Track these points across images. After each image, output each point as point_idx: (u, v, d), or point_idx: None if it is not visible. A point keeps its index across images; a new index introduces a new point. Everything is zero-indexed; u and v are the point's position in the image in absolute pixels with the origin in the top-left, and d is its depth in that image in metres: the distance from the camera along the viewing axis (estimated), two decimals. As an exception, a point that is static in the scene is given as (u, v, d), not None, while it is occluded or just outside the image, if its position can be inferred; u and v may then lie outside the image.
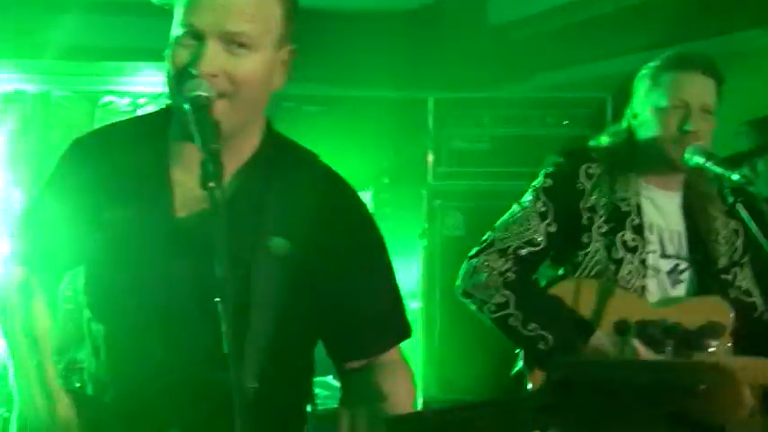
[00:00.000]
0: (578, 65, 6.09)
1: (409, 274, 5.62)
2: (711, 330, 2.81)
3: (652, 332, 2.75)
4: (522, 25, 5.95)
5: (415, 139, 5.77)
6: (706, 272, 3.00)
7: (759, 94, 4.83)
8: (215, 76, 1.93)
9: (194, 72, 1.92)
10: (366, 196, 5.56)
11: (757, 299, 3.12)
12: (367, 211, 2.25)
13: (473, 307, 3.03)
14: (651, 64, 3.06)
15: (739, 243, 3.09)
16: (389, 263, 2.24)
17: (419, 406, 5.69)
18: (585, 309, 2.89)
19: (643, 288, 2.91)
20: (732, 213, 3.03)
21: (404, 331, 2.25)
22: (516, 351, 3.11)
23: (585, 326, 2.84)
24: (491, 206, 5.11)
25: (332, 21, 6.46)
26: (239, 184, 2.06)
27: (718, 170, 2.78)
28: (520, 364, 3.06)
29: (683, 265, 2.99)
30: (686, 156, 2.88)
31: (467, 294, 3.02)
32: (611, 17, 5.60)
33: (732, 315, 2.95)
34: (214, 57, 1.93)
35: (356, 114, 6.74)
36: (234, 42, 1.96)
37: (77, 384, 2.22)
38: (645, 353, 2.73)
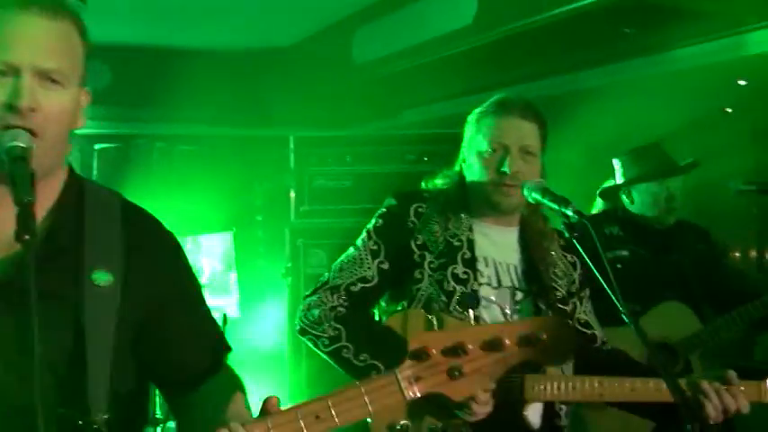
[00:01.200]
0: (442, 102, 6.18)
1: (278, 311, 5.73)
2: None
3: None
4: (385, 63, 6.01)
5: (280, 177, 5.75)
6: (543, 302, 3.06)
7: (603, 128, 5.03)
8: (33, 111, 1.92)
9: (16, 105, 1.89)
10: (227, 237, 5.51)
11: (597, 331, 3.17)
12: (175, 239, 2.22)
13: (310, 344, 3.03)
14: (476, 110, 3.12)
15: (576, 276, 3.16)
16: (198, 284, 2.27)
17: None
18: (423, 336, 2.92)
19: (477, 318, 2.93)
20: (569, 247, 3.12)
21: (227, 345, 2.26)
22: None
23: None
24: (354, 244, 5.31)
25: (201, 60, 6.46)
26: (52, 223, 2.04)
27: (554, 206, 2.83)
28: None
29: (520, 296, 3.05)
30: (524, 192, 2.94)
31: (303, 332, 3.01)
32: (472, 54, 5.72)
33: (575, 336, 2.87)
34: (32, 92, 1.92)
35: (226, 153, 6.75)
36: (48, 79, 1.95)
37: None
38: None
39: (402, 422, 2.82)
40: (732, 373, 2.77)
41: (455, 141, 5.03)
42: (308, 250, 5.33)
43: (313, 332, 2.97)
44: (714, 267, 4.46)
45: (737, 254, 7.97)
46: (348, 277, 3.01)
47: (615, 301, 2.57)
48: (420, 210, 3.06)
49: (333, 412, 1.74)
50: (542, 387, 2.87)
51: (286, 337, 5.41)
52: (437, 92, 6.25)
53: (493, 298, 3.01)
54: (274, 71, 6.32)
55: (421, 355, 1.72)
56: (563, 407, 3.03)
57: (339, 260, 3.10)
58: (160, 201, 5.86)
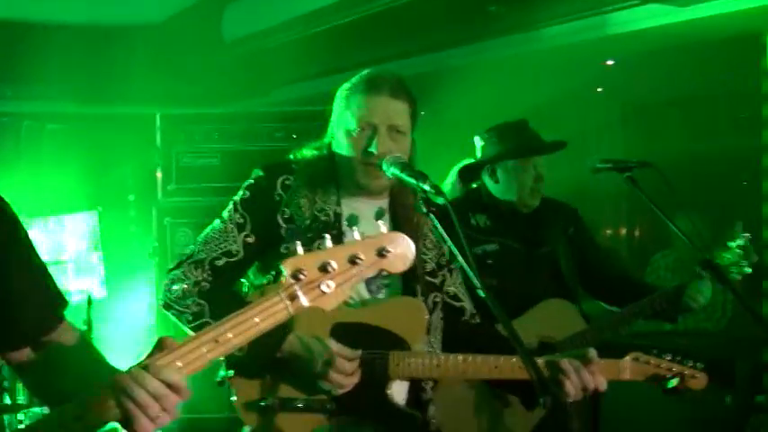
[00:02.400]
0: (311, 80, 6.17)
1: (147, 291, 5.67)
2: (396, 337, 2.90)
3: (345, 334, 2.82)
4: (254, 40, 5.96)
5: (149, 155, 5.65)
6: (412, 275, 3.02)
7: (471, 107, 5.09)
8: None
9: None
10: (93, 216, 5.42)
11: (465, 303, 3.18)
12: (5, 204, 2.24)
13: (174, 319, 2.99)
14: (345, 85, 3.06)
15: (446, 248, 3.13)
16: (30, 241, 2.28)
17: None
18: None
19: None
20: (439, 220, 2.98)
21: (65, 300, 2.32)
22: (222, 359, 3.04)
23: (282, 329, 2.75)
24: None
25: (69, 36, 6.29)
26: None
27: (412, 181, 2.79)
28: (222, 371, 3.01)
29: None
30: (384, 167, 2.89)
31: (167, 306, 2.95)
32: (339, 32, 5.72)
33: (427, 316, 3.01)
34: None
35: (98, 131, 6.61)
36: None
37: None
38: (340, 350, 2.78)
39: (269, 398, 2.83)
40: (592, 352, 2.78)
41: (324, 119, 5.03)
42: (175, 229, 5.28)
43: (176, 307, 2.92)
44: (584, 249, 4.33)
45: (608, 231, 8.23)
46: (213, 251, 2.95)
47: (471, 276, 2.57)
48: (287, 182, 3.01)
49: (230, 335, 1.92)
50: (407, 364, 2.87)
51: (155, 317, 5.35)
52: (306, 70, 6.24)
53: None
54: (143, 48, 6.20)
55: (297, 276, 1.90)
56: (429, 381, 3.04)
57: (204, 233, 3.03)
58: (27, 180, 5.75)
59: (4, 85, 6.75)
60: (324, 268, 1.93)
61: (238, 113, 5.57)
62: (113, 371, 1.94)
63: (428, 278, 3.09)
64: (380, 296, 3.03)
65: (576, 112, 7.05)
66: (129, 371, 1.84)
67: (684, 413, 5.09)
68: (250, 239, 2.97)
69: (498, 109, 5.42)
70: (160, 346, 1.90)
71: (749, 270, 3.85)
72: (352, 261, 1.94)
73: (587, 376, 2.75)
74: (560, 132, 5.06)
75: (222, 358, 2.92)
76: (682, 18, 5.49)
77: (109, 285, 5.52)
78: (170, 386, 1.86)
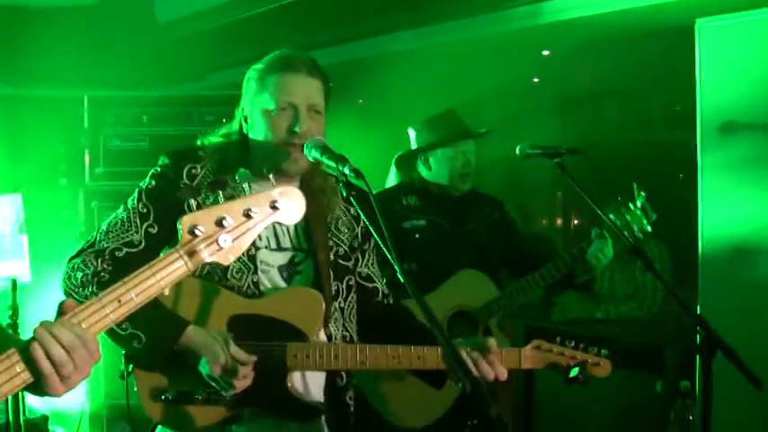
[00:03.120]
0: (247, 64, 6.09)
1: None
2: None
3: (243, 325, 2.83)
4: (188, 23, 5.89)
5: (77, 138, 5.57)
6: (323, 260, 3.00)
7: (402, 95, 5.08)
8: None
9: None
10: (16, 198, 5.31)
11: (378, 284, 3.17)
12: None
13: None
14: (257, 66, 3.00)
15: (359, 230, 3.13)
16: None
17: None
18: (189, 307, 2.86)
19: (255, 283, 2.90)
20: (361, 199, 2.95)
21: None
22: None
23: (179, 322, 2.79)
24: None
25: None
26: None
27: (332, 164, 2.74)
28: (122, 365, 2.96)
29: (300, 256, 2.99)
30: (305, 150, 2.84)
31: (67, 294, 2.85)
32: (277, 15, 5.67)
33: (323, 305, 2.93)
34: None
35: (23, 114, 6.47)
36: None
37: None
38: (236, 353, 2.74)
39: (170, 392, 2.81)
40: (491, 341, 2.78)
41: None
42: (102, 213, 5.21)
43: (76, 296, 2.82)
44: (508, 234, 4.60)
45: (544, 221, 8.28)
46: (114, 241, 2.88)
47: (391, 259, 2.52)
48: (194, 171, 2.93)
49: (132, 294, 1.93)
50: (305, 355, 2.84)
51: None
52: (242, 54, 6.13)
53: (271, 261, 2.95)
54: (73, 29, 6.08)
55: (194, 232, 1.96)
56: None
57: (107, 220, 2.96)
58: None
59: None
60: (219, 223, 1.98)
61: (169, 97, 5.49)
62: (19, 341, 1.91)
63: (341, 261, 3.06)
64: (294, 284, 2.99)
65: (512, 102, 7.06)
66: (41, 325, 1.83)
67: (616, 401, 5.16)
68: (152, 230, 2.89)
69: (434, 97, 5.45)
70: (63, 310, 1.88)
71: (649, 228, 4.07)
72: (247, 215, 2.02)
73: (485, 366, 2.74)
74: (496, 122, 5.10)
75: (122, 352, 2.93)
76: (616, 8, 5.54)
77: (35, 269, 5.42)
78: (81, 339, 1.84)
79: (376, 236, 2.61)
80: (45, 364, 1.81)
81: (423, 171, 4.52)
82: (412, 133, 4.59)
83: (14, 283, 5.15)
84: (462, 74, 6.34)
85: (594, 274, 4.21)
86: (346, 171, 2.64)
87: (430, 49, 6.25)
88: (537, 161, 4.07)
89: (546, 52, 6.76)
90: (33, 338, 1.82)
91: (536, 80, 7.36)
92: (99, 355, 1.88)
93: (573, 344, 2.91)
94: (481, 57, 6.34)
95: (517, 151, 4.00)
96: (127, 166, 5.27)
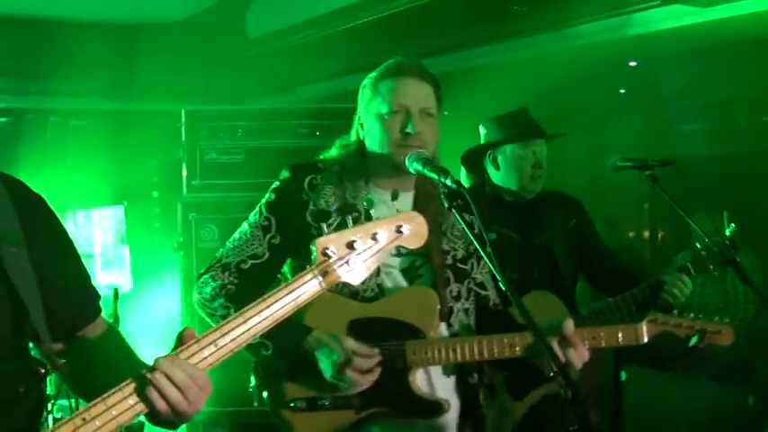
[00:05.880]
0: (337, 78, 6.17)
1: (172, 286, 5.67)
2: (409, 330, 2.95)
3: (363, 329, 2.91)
4: (279, 37, 5.99)
5: (174, 151, 5.70)
6: (442, 264, 3.06)
7: (494, 106, 5.08)
8: None
9: None
10: (119, 210, 5.46)
11: (490, 293, 3.20)
12: (44, 200, 2.25)
13: (208, 319, 3.04)
14: (371, 75, 3.10)
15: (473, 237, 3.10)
16: (69, 237, 2.32)
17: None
18: (309, 317, 2.93)
19: (379, 286, 2.98)
20: (467, 208, 2.90)
21: (98, 293, 2.36)
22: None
23: (303, 329, 2.90)
24: (245, 218, 5.28)
25: (99, 34, 6.35)
26: None
27: (434, 176, 2.82)
28: (252, 378, 3.12)
29: (420, 261, 3.05)
30: (407, 163, 2.92)
31: (200, 307, 3.05)
32: (366, 29, 5.74)
33: (437, 300, 3.00)
34: None
35: (123, 127, 6.63)
36: None
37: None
38: (358, 348, 2.83)
39: (299, 400, 2.91)
40: (569, 324, 2.78)
41: (348, 116, 5.10)
42: (199, 224, 5.30)
43: (207, 309, 2.99)
44: (586, 243, 4.32)
45: (631, 234, 8.18)
46: (239, 255, 3.00)
47: (491, 267, 2.61)
48: (314, 182, 3.03)
49: (263, 315, 2.05)
50: (424, 352, 2.91)
51: (179, 311, 5.38)
52: (330, 68, 6.25)
53: (394, 264, 3.02)
54: (168, 45, 6.23)
55: (326, 253, 2.06)
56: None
57: (232, 238, 3.09)
58: (53, 175, 5.79)
59: (30, 81, 6.82)
60: (350, 245, 2.09)
61: (263, 110, 5.57)
62: (142, 365, 1.96)
63: (459, 265, 3.11)
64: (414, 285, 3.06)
65: (598, 113, 7.02)
66: (156, 363, 1.88)
67: (707, 414, 5.10)
68: (275, 240, 3.00)
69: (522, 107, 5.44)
70: (182, 339, 1.95)
71: (737, 258, 3.87)
72: (374, 238, 2.13)
73: (574, 355, 2.76)
74: (581, 133, 5.11)
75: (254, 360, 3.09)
76: (704, 19, 5.50)
77: (135, 279, 5.55)
78: (193, 378, 1.90)
79: (477, 244, 2.72)
80: (161, 404, 1.88)
81: (491, 171, 4.26)
82: (482, 130, 4.39)
83: (116, 292, 5.27)
84: (546, 85, 6.33)
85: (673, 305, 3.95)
86: (448, 183, 2.70)
87: (512, 62, 6.29)
88: (623, 173, 4.11)
89: (633, 63, 6.71)
90: (147, 377, 1.88)
91: (622, 91, 7.31)
92: (210, 389, 1.94)
93: (692, 315, 2.94)
94: (566, 68, 6.33)
95: (609, 164, 4.03)
96: (223, 179, 5.35)
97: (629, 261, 4.64)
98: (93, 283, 2.33)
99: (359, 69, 6.06)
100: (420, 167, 2.84)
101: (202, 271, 3.06)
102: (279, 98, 6.47)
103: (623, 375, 5.23)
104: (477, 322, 3.14)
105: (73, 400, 4.79)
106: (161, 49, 6.18)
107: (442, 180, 2.71)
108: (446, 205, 2.73)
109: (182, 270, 5.36)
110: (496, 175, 4.23)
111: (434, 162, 2.91)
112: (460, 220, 2.73)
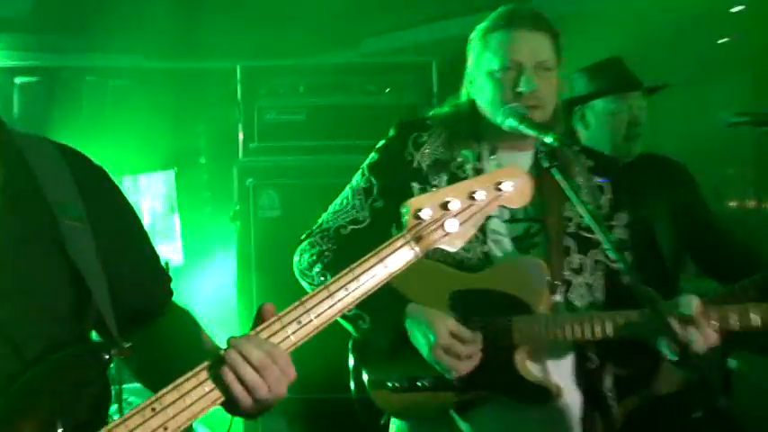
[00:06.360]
0: (403, 30, 5.77)
1: (226, 258, 5.38)
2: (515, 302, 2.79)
3: (465, 301, 2.79)
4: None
5: (226, 112, 5.35)
6: (561, 232, 2.88)
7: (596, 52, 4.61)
8: None
9: None
10: (169, 176, 5.10)
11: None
12: (108, 175, 2.14)
13: (309, 289, 2.80)
14: (480, 26, 2.91)
15: (604, 201, 2.93)
16: (137, 215, 2.23)
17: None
18: (407, 286, 2.76)
19: (486, 254, 2.84)
20: (598, 170, 2.94)
21: (170, 279, 2.27)
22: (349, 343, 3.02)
23: (400, 300, 2.78)
24: (309, 183, 4.84)
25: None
26: (5, 173, 1.96)
27: (533, 132, 2.68)
28: (351, 358, 3.00)
29: (536, 228, 2.89)
30: (499, 119, 2.77)
31: (300, 276, 2.98)
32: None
33: (547, 273, 2.79)
34: None
35: (165, 87, 6.30)
36: None
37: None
38: (459, 332, 2.67)
39: (396, 379, 2.81)
40: (694, 300, 2.55)
41: (421, 71, 4.71)
42: (258, 191, 4.96)
43: (306, 278, 2.94)
44: (695, 215, 3.85)
45: (733, 203, 7.54)
46: (339, 220, 2.97)
47: (599, 233, 2.54)
48: (420, 140, 2.93)
49: (353, 285, 1.97)
50: (531, 329, 2.74)
51: (234, 287, 5.05)
52: (399, 18, 5.84)
53: (503, 231, 2.88)
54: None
55: (419, 216, 1.94)
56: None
57: (335, 201, 3.04)
58: (90, 139, 5.47)
59: (64, 36, 6.43)
60: (445, 206, 1.96)
61: (326, 65, 5.25)
62: (217, 350, 1.85)
63: (584, 234, 2.89)
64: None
65: (696, 65, 6.49)
66: (229, 344, 1.78)
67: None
68: (378, 204, 2.94)
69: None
70: (261, 316, 1.84)
71: None
72: (471, 197, 1.98)
73: (697, 334, 2.53)
74: (678, 89, 4.60)
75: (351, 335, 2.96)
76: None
77: (186, 251, 5.25)
78: (271, 357, 1.79)
79: (580, 209, 2.59)
80: (238, 389, 1.78)
81: (579, 130, 3.89)
82: (570, 83, 3.90)
83: (167, 266, 4.94)
84: (642, 32, 5.82)
85: None
86: (548, 140, 2.61)
87: (611, 8, 5.79)
88: (723, 131, 3.76)
89: (736, 8, 6.15)
90: (223, 357, 1.78)
91: (724, 40, 6.76)
92: (294, 373, 1.83)
93: None
94: (664, 15, 5.79)
95: (721, 119, 3.59)
96: (283, 141, 5.00)
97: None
98: (162, 264, 2.24)
99: (429, 20, 5.70)
100: (515, 124, 2.72)
101: (303, 237, 3.02)
102: (342, 53, 6.09)
103: (734, 363, 4.74)
104: (606, 299, 2.92)
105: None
106: (214, 1, 5.75)
107: (542, 137, 2.64)
108: (544, 165, 2.67)
109: (238, 241, 5.02)
110: (586, 135, 3.86)
111: (553, 121, 2.83)
112: (562, 181, 2.61)
